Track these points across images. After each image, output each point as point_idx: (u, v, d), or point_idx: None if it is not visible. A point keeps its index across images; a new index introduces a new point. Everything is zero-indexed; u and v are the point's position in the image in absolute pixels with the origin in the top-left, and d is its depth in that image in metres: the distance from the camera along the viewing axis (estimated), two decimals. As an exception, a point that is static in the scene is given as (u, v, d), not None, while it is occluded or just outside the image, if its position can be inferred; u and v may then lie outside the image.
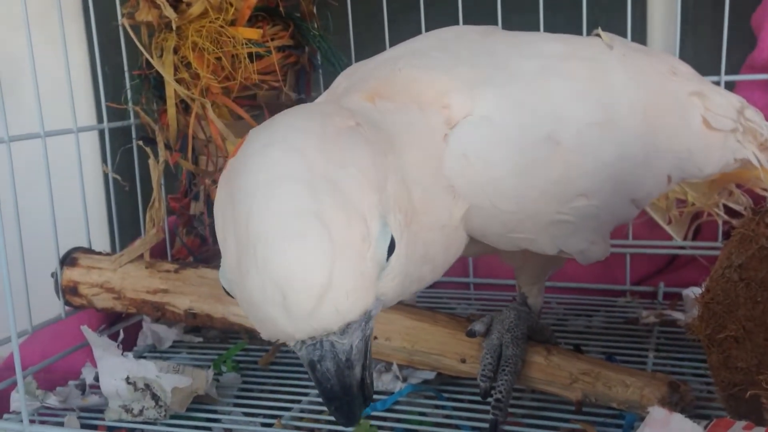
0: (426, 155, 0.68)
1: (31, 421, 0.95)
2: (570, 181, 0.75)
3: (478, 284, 1.40)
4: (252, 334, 1.14)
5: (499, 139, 0.72)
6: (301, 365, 1.07)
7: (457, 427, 0.92)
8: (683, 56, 1.42)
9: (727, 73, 1.18)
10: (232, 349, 1.16)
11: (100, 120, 1.25)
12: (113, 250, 1.20)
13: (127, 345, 1.20)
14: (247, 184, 0.57)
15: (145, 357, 1.14)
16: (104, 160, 1.41)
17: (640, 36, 1.45)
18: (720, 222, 1.19)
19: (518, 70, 0.77)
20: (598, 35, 0.88)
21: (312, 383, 1.02)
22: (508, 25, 0.92)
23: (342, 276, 0.54)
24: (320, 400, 1.00)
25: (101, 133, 1.24)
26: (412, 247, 0.62)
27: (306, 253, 0.53)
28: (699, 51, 1.42)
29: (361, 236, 0.55)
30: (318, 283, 0.54)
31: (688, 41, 1.45)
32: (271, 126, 0.62)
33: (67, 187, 1.17)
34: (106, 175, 1.21)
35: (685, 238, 1.23)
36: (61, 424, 0.95)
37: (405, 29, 1.06)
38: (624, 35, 1.16)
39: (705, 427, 0.60)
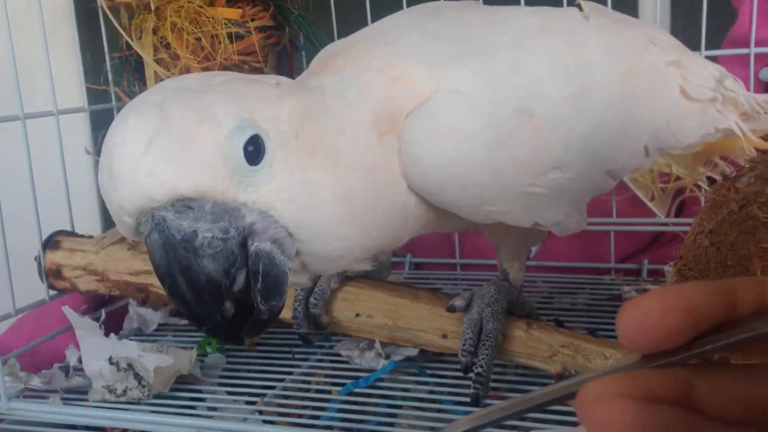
0: (357, 110, 0.70)
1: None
2: (543, 154, 0.75)
3: (464, 265, 1.40)
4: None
5: (470, 112, 0.72)
6: (285, 345, 1.09)
7: (439, 402, 0.93)
8: (674, 31, 1.43)
9: (711, 49, 1.18)
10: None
11: (94, 103, 1.25)
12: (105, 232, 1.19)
13: (114, 330, 1.20)
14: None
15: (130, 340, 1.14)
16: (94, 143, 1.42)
17: (632, 11, 1.45)
18: (702, 198, 1.19)
19: (491, 44, 0.76)
20: (578, 5, 0.88)
21: (296, 363, 1.04)
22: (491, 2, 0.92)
23: (163, 144, 0.57)
24: (304, 378, 1.01)
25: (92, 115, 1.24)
26: (317, 174, 0.64)
27: (134, 122, 0.59)
28: (690, 25, 1.42)
29: (198, 118, 0.58)
30: (136, 142, 0.58)
31: (678, 16, 1.45)
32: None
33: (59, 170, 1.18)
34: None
35: (668, 215, 1.23)
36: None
37: (387, 7, 1.05)
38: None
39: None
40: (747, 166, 0.66)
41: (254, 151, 0.61)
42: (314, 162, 0.64)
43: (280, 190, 0.63)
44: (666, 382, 0.33)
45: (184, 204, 0.59)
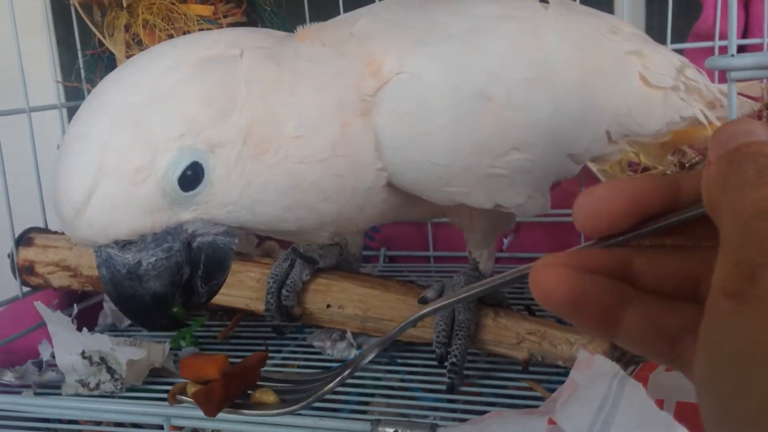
0: (326, 93, 0.71)
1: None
2: (502, 135, 0.77)
3: (438, 257, 1.41)
4: (211, 311, 1.16)
5: (429, 95, 0.74)
6: (259, 337, 1.10)
7: (410, 390, 0.94)
8: (649, 27, 1.44)
9: (678, 42, 1.21)
10: (192, 324, 1.17)
11: (69, 100, 1.25)
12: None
13: (89, 326, 1.20)
14: (84, 104, 0.65)
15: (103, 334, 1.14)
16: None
17: (607, 8, 1.47)
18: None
19: (452, 31, 0.78)
20: None
21: (269, 355, 1.05)
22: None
23: (102, 198, 0.61)
24: (277, 369, 1.02)
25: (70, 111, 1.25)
26: (262, 176, 0.67)
27: (74, 172, 0.62)
28: (664, 22, 1.45)
29: (136, 166, 0.61)
30: (75, 199, 0.61)
31: (654, 14, 1.47)
32: (144, 53, 0.69)
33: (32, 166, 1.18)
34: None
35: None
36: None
37: (360, 5, 1.06)
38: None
39: (633, 371, 0.62)
40: (702, 154, 0.68)
41: (193, 175, 0.64)
42: (261, 164, 0.66)
43: (221, 205, 0.66)
44: (607, 258, 0.37)
45: (127, 240, 0.64)
